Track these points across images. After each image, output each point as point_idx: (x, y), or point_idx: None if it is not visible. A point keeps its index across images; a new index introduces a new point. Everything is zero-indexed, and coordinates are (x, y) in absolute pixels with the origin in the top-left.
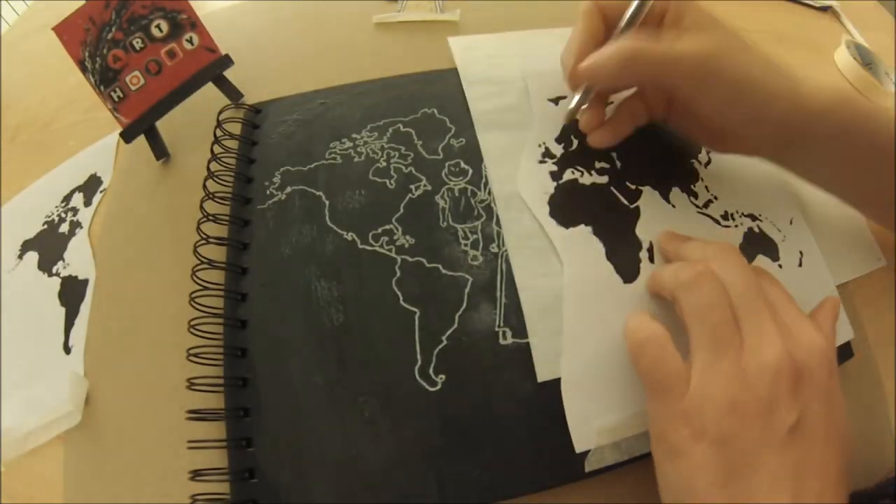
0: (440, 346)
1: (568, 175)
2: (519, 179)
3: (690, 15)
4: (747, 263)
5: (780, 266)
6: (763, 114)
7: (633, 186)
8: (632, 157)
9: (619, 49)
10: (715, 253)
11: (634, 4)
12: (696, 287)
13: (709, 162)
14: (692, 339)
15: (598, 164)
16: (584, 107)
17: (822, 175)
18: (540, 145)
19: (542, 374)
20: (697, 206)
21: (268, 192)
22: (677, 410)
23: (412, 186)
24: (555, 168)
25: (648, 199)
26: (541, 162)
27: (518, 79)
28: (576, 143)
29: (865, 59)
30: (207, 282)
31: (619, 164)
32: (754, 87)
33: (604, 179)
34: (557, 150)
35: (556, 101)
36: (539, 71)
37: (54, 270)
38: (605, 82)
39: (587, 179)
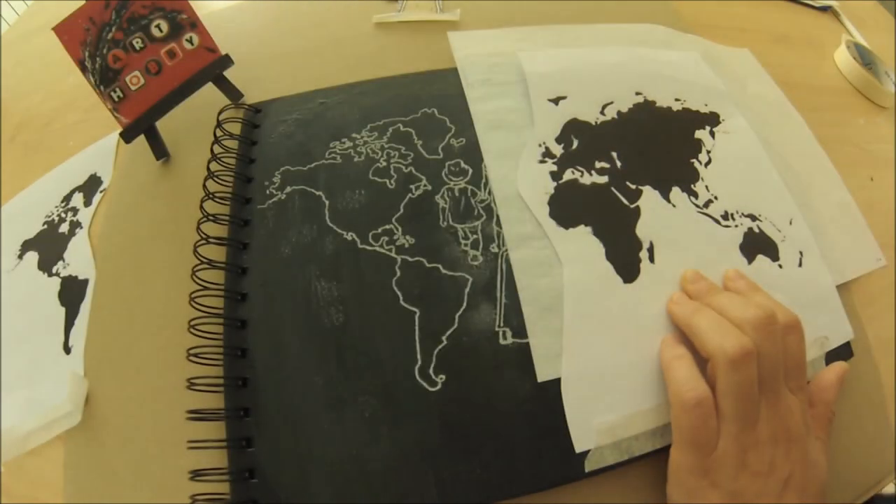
0: (440, 346)
1: (568, 175)
2: (519, 179)
3: None
4: (780, 334)
5: (780, 266)
6: None
7: (634, 186)
8: (632, 157)
9: None
10: (758, 323)
11: None
12: (740, 366)
13: (709, 162)
14: (724, 406)
15: (598, 164)
16: None
17: None
18: (540, 145)
19: (542, 374)
20: (698, 206)
21: (268, 192)
22: (702, 465)
23: (412, 186)
24: (555, 168)
25: (649, 199)
26: (541, 162)
27: (518, 80)
28: (576, 142)
29: (865, 59)
30: (207, 282)
31: (619, 163)
32: None
33: (604, 179)
34: (557, 149)
35: (556, 101)
36: (539, 72)
37: (54, 270)
38: None
39: (587, 179)
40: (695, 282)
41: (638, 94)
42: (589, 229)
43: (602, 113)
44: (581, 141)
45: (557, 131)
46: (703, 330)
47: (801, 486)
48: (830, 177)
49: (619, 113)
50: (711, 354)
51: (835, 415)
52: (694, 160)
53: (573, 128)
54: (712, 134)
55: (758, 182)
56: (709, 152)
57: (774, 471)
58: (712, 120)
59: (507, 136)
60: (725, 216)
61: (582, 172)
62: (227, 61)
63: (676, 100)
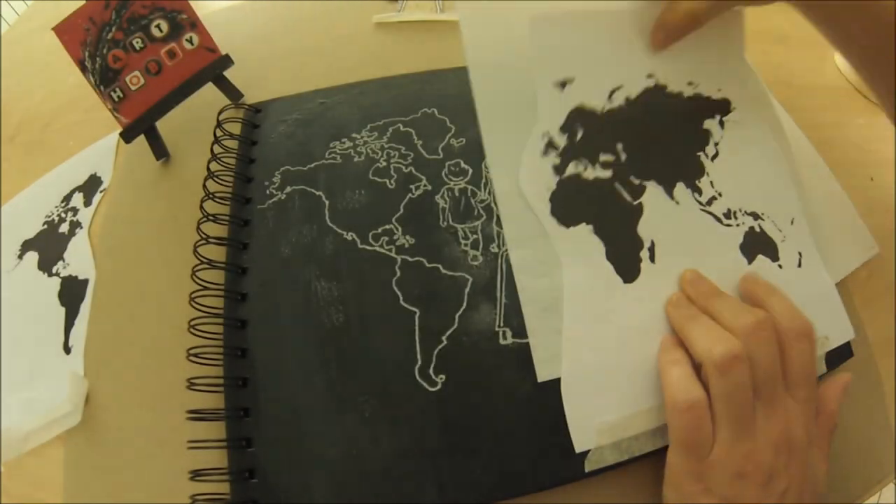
0: (440, 347)
1: (571, 169)
2: (521, 175)
3: None
4: (776, 341)
5: (779, 266)
6: None
7: (638, 181)
8: (638, 150)
9: None
10: (749, 329)
11: None
12: (728, 371)
13: (716, 155)
14: (717, 412)
15: (602, 158)
16: None
17: (837, 34)
18: (543, 135)
19: (542, 374)
20: (700, 204)
21: (268, 192)
22: (696, 469)
23: (412, 186)
24: (558, 161)
25: (652, 196)
26: (544, 154)
27: (525, 68)
28: (580, 132)
29: None
30: (207, 282)
31: (624, 156)
32: None
33: (608, 174)
34: (561, 140)
35: (562, 85)
36: (548, 45)
37: (54, 270)
38: None
39: (591, 174)
40: (694, 283)
41: (650, 76)
42: (590, 228)
43: (609, 99)
44: (586, 131)
45: (562, 120)
46: (694, 336)
47: (799, 497)
48: (818, 168)
49: (627, 100)
50: (701, 360)
51: (836, 426)
52: (701, 153)
53: (579, 115)
54: (721, 123)
55: (763, 179)
56: (716, 144)
57: (772, 481)
58: (723, 107)
59: (510, 128)
60: (728, 214)
61: (586, 166)
62: (227, 61)
63: (689, 84)
